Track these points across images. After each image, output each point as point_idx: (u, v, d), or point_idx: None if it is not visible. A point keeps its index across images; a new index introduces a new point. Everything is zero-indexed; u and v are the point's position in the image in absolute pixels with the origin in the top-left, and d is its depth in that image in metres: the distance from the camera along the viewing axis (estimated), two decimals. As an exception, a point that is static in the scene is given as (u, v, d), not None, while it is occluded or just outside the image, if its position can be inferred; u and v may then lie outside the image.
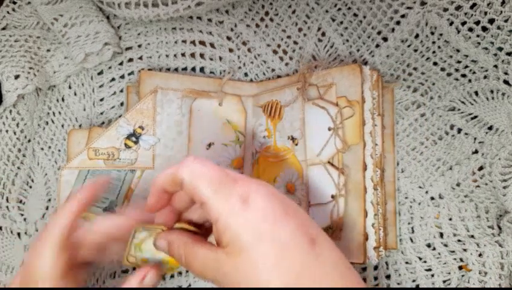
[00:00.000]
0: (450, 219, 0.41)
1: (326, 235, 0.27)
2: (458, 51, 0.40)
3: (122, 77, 0.47)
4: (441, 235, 0.42)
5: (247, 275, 0.24)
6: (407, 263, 0.42)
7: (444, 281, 0.40)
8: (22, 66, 0.44)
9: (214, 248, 0.26)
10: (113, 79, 0.47)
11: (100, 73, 0.48)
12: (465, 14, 0.38)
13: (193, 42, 0.48)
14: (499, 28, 0.37)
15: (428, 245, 0.42)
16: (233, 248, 0.25)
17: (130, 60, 0.48)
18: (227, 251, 0.25)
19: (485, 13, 0.37)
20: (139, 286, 0.29)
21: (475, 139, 0.41)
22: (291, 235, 0.25)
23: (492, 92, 0.40)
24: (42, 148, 0.47)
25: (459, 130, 0.42)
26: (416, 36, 0.41)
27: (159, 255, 0.31)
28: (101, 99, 0.47)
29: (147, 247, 0.31)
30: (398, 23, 0.42)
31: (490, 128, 0.41)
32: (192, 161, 0.27)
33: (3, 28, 0.47)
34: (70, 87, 0.47)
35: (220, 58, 0.48)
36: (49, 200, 0.46)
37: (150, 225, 0.31)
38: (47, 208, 0.46)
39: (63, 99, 0.47)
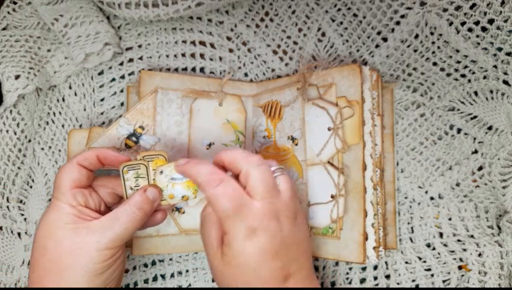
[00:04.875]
0: (450, 219, 0.42)
1: (306, 271, 0.34)
2: (458, 51, 0.40)
3: (123, 77, 0.47)
4: (441, 235, 0.42)
5: (226, 272, 0.32)
6: (406, 263, 0.42)
7: (444, 281, 0.40)
8: (23, 66, 0.44)
9: (220, 239, 0.33)
10: (113, 79, 0.47)
11: (100, 73, 0.48)
12: (465, 14, 0.38)
13: (193, 42, 0.48)
14: (498, 28, 0.37)
15: (428, 245, 0.42)
16: (226, 254, 0.32)
17: (130, 60, 0.48)
18: (223, 253, 0.32)
19: (485, 13, 0.37)
20: (142, 198, 0.34)
21: (475, 139, 0.41)
22: (271, 272, 0.31)
23: (491, 92, 0.40)
24: (42, 148, 0.47)
25: (459, 130, 0.42)
26: (416, 36, 0.42)
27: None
28: (102, 100, 0.47)
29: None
30: (397, 23, 0.42)
31: (490, 128, 0.41)
32: (217, 184, 0.32)
33: (4, 28, 0.47)
34: (70, 88, 0.47)
35: (220, 59, 0.48)
36: (49, 200, 0.46)
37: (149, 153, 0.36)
38: (47, 208, 0.46)
39: (63, 100, 0.47)
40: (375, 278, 0.42)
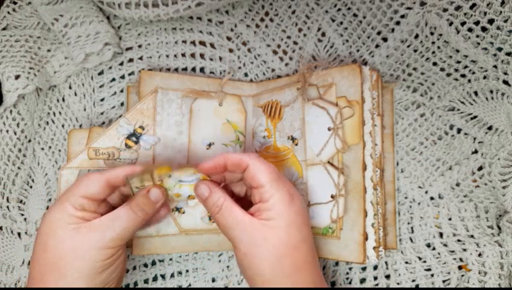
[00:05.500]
0: (450, 219, 0.42)
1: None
2: (458, 51, 0.40)
3: (123, 77, 0.47)
4: (441, 235, 0.42)
5: (270, 243, 0.32)
6: (406, 263, 0.42)
7: (444, 281, 0.40)
8: (23, 66, 0.44)
9: (248, 216, 0.34)
10: (113, 79, 0.47)
11: (100, 73, 0.48)
12: (465, 14, 0.38)
13: (193, 42, 0.48)
14: (498, 28, 0.37)
15: (428, 245, 0.42)
16: (272, 222, 0.33)
17: (130, 60, 0.48)
18: (264, 222, 0.33)
19: (485, 13, 0.37)
20: (144, 199, 0.35)
21: (474, 139, 0.41)
22: (308, 232, 0.35)
23: (491, 92, 0.40)
24: (42, 148, 0.47)
25: (459, 130, 0.42)
26: (416, 36, 0.42)
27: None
28: (102, 100, 0.47)
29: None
30: (397, 23, 0.42)
31: (490, 128, 0.41)
32: (257, 156, 0.35)
33: (4, 28, 0.47)
34: (70, 88, 0.47)
35: (220, 59, 0.48)
36: (49, 200, 0.46)
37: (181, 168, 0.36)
38: (47, 208, 0.46)
39: (63, 100, 0.47)
40: (375, 278, 0.42)
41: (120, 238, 0.33)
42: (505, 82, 0.39)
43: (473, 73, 0.40)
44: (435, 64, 0.42)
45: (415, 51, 0.42)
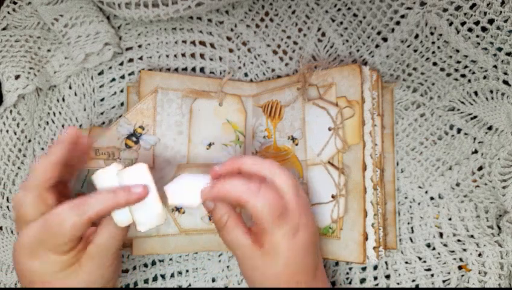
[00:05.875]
0: (450, 219, 0.42)
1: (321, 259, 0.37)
2: (458, 51, 0.40)
3: (123, 77, 0.47)
4: (441, 235, 0.42)
5: (270, 272, 0.32)
6: (406, 263, 0.42)
7: (444, 281, 0.40)
8: (23, 66, 0.44)
9: (250, 240, 0.33)
10: (113, 79, 0.47)
11: (100, 73, 0.48)
12: (465, 14, 0.38)
13: (193, 42, 0.48)
14: (498, 28, 0.37)
15: (428, 245, 0.42)
16: (271, 253, 0.32)
17: (130, 60, 0.48)
18: (265, 251, 0.32)
19: (485, 13, 0.37)
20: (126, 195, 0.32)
21: (474, 139, 0.41)
22: (313, 260, 0.34)
23: (491, 92, 0.40)
24: (42, 148, 0.47)
25: (459, 130, 0.42)
26: (416, 36, 0.42)
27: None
28: (102, 100, 0.47)
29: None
30: (397, 23, 0.42)
31: (490, 128, 0.41)
32: (261, 188, 0.32)
33: (4, 28, 0.47)
34: (70, 88, 0.47)
35: (220, 59, 0.48)
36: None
37: None
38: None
39: (63, 100, 0.47)
40: (375, 278, 0.42)
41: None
42: (505, 82, 0.39)
43: (473, 73, 0.40)
44: (435, 64, 0.42)
45: (415, 51, 0.42)
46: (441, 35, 0.40)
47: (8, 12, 0.47)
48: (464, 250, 0.40)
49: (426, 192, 0.43)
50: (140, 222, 0.33)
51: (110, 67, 0.48)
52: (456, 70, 0.41)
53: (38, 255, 0.32)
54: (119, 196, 0.32)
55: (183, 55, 0.48)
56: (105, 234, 0.33)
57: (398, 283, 0.42)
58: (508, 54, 0.38)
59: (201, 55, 0.48)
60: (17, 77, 0.43)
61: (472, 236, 0.40)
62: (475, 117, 0.41)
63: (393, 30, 0.43)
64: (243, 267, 0.34)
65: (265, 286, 0.33)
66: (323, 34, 0.46)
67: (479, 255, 0.39)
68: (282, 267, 0.32)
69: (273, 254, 0.32)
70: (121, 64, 0.48)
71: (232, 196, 0.32)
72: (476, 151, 0.42)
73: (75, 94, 0.47)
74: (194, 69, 0.48)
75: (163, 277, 0.45)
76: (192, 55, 0.48)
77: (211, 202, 0.34)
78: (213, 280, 0.45)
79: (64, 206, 0.31)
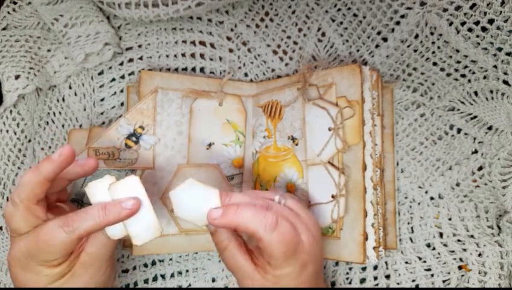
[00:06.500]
0: (450, 219, 0.42)
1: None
2: (458, 51, 0.40)
3: (123, 77, 0.47)
4: (441, 235, 0.42)
5: None
6: (406, 263, 0.42)
7: (444, 281, 0.40)
8: (23, 66, 0.44)
9: (252, 267, 0.33)
10: (113, 79, 0.47)
11: (100, 73, 0.48)
12: (465, 14, 0.38)
13: (193, 42, 0.48)
14: (498, 28, 0.37)
15: (428, 245, 0.42)
16: (273, 283, 0.32)
17: (130, 60, 0.48)
18: (266, 278, 0.32)
19: (485, 13, 0.37)
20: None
21: (475, 139, 0.41)
22: (312, 285, 0.34)
23: (491, 92, 0.40)
24: (42, 148, 0.47)
25: (459, 130, 0.42)
26: (416, 36, 0.41)
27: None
28: (102, 100, 0.47)
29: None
30: (397, 23, 0.42)
31: (490, 128, 0.41)
32: (278, 225, 0.31)
33: (4, 28, 0.47)
34: (70, 88, 0.47)
35: (220, 59, 0.48)
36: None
37: None
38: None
39: (63, 100, 0.47)
40: (375, 278, 0.42)
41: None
42: (505, 82, 0.39)
43: (473, 73, 0.40)
44: (435, 64, 0.42)
45: (415, 51, 0.42)
46: (441, 35, 0.40)
47: (8, 12, 0.47)
48: (464, 250, 0.40)
49: (426, 192, 0.43)
50: (135, 235, 0.33)
51: (110, 67, 0.48)
52: (456, 70, 0.41)
53: (30, 269, 0.32)
54: (110, 213, 0.31)
55: (183, 55, 0.48)
56: (98, 243, 0.33)
57: (398, 283, 0.42)
58: (508, 54, 0.38)
59: (201, 55, 0.48)
60: (17, 77, 0.43)
61: (472, 236, 0.40)
62: (475, 117, 0.41)
63: (393, 30, 0.43)
64: (241, 284, 0.34)
65: None
66: (323, 34, 0.46)
67: (479, 255, 0.39)
68: None
69: (275, 284, 0.32)
70: (121, 64, 0.48)
71: (245, 229, 0.31)
72: (476, 151, 0.42)
73: (75, 94, 0.47)
74: (194, 69, 0.48)
75: (163, 277, 0.45)
76: (192, 55, 0.48)
77: (212, 227, 0.33)
78: (213, 280, 0.45)
79: (55, 223, 0.31)
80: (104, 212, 0.31)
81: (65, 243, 0.31)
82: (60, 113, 0.47)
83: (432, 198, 0.43)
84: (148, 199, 0.33)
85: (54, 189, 0.34)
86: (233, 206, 0.32)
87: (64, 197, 0.37)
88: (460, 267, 0.40)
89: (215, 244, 0.34)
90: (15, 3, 0.48)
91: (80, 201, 0.41)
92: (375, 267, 0.43)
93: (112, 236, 0.33)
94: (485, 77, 0.40)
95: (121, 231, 0.33)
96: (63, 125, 0.47)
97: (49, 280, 0.32)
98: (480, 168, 0.41)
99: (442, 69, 0.42)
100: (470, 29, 0.38)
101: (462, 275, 0.40)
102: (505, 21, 0.37)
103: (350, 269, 0.43)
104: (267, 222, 0.30)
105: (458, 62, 0.40)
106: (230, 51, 0.48)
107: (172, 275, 0.45)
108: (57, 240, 0.30)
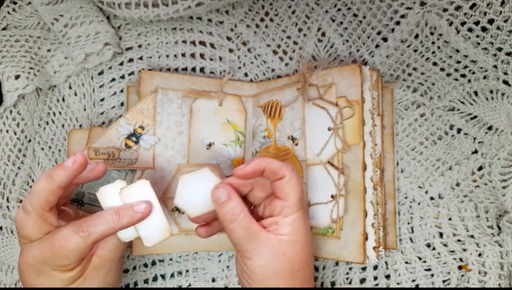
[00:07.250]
0: (450, 219, 0.42)
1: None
2: (458, 51, 0.40)
3: (123, 77, 0.47)
4: (441, 235, 0.42)
5: (288, 257, 0.33)
6: (406, 263, 0.42)
7: (444, 281, 0.40)
8: (23, 66, 0.44)
9: (262, 228, 0.33)
10: (113, 79, 0.47)
11: (100, 73, 0.48)
12: (465, 14, 0.38)
13: (193, 42, 0.48)
14: (498, 28, 0.37)
15: (428, 245, 0.42)
16: (290, 238, 0.33)
17: (130, 60, 0.48)
18: (282, 237, 0.33)
19: (485, 13, 0.37)
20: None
21: (475, 139, 0.41)
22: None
23: (491, 92, 0.40)
24: (42, 148, 0.47)
25: (459, 130, 0.42)
26: (416, 36, 0.41)
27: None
28: (102, 100, 0.47)
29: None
30: (397, 23, 0.42)
31: (490, 128, 0.41)
32: (293, 169, 0.34)
33: (4, 28, 0.47)
34: (70, 88, 0.47)
35: (220, 59, 0.48)
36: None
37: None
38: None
39: (63, 100, 0.47)
40: (375, 278, 0.42)
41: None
42: (505, 82, 0.39)
43: (473, 73, 0.40)
44: (435, 64, 0.42)
45: (415, 51, 0.42)
46: (441, 35, 0.40)
47: (8, 12, 0.47)
48: (464, 250, 0.40)
49: (426, 192, 0.43)
50: (146, 237, 0.34)
51: (110, 67, 0.48)
52: (456, 70, 0.41)
53: (44, 274, 0.32)
54: (123, 218, 0.32)
55: (183, 55, 0.48)
56: (109, 246, 0.34)
57: (398, 283, 0.42)
58: (508, 54, 0.38)
59: (201, 55, 0.48)
60: (17, 77, 0.43)
61: (472, 236, 0.40)
62: (475, 117, 0.41)
63: (393, 30, 0.43)
64: (256, 263, 0.33)
65: (266, 285, 0.33)
66: (323, 34, 0.46)
67: (479, 255, 0.39)
68: (300, 251, 0.33)
69: (290, 236, 0.33)
70: (121, 64, 0.48)
71: (270, 167, 0.33)
72: (476, 151, 0.42)
73: (75, 94, 0.47)
74: (194, 69, 0.48)
75: (163, 277, 0.45)
76: (192, 55, 0.48)
77: (224, 193, 0.33)
78: (213, 280, 0.45)
79: (69, 229, 0.32)
80: (117, 216, 0.32)
81: (80, 248, 0.32)
82: (60, 113, 0.47)
83: (432, 198, 0.43)
84: (158, 201, 0.34)
85: (65, 195, 0.35)
86: (253, 158, 0.34)
87: (66, 199, 0.38)
88: (460, 267, 0.40)
89: (223, 219, 0.33)
90: (15, 3, 0.48)
91: (80, 201, 0.41)
92: (375, 267, 0.43)
93: (123, 239, 0.33)
94: (485, 77, 0.40)
95: (132, 234, 0.33)
96: (63, 125, 0.47)
97: (63, 284, 0.33)
98: (480, 168, 0.41)
99: (442, 69, 0.42)
100: (470, 29, 0.38)
101: (462, 275, 0.40)
102: (505, 21, 0.37)
103: (350, 269, 0.43)
104: (285, 164, 0.33)
105: (458, 62, 0.40)
106: (230, 51, 0.48)
107: (172, 275, 0.45)
108: (73, 245, 0.31)
